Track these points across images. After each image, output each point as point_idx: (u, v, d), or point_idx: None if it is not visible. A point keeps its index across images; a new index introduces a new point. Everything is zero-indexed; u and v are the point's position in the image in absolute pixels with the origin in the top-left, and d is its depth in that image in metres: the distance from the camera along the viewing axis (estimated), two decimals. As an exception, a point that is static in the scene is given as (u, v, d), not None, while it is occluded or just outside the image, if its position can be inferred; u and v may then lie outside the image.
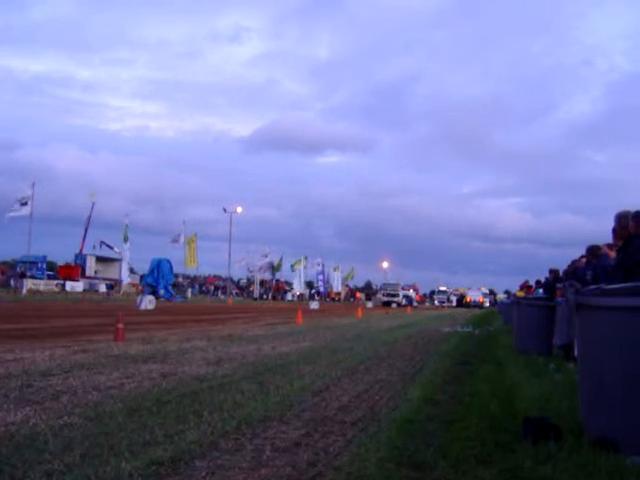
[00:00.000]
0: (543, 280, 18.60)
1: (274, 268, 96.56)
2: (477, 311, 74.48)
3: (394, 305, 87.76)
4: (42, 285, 63.42)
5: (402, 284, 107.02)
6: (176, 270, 66.99)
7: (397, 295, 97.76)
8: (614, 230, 7.17)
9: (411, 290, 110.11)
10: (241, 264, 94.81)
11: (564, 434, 5.30)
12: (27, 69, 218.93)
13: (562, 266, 14.97)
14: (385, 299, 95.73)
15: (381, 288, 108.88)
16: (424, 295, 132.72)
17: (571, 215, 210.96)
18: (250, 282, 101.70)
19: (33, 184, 52.89)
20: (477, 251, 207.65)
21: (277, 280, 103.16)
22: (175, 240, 66.30)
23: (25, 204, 52.33)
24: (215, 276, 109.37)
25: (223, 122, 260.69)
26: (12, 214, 52.12)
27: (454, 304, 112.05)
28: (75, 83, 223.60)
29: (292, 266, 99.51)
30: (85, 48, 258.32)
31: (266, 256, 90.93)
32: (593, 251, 9.57)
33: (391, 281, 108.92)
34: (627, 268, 6.23)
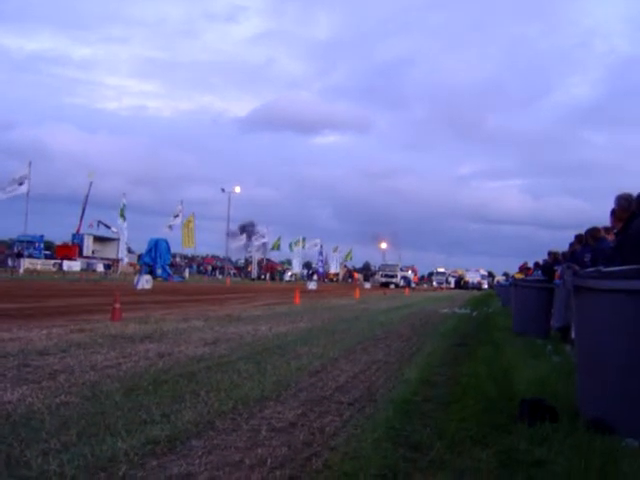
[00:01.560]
0: (541, 262, 18.58)
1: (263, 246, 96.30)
2: (475, 293, 74.65)
3: (392, 286, 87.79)
4: (39, 265, 63.35)
5: (400, 265, 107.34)
6: (174, 250, 66.97)
7: (395, 276, 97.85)
8: (613, 212, 7.14)
9: (409, 271, 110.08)
10: (239, 245, 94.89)
11: (560, 416, 5.31)
12: (23, 47, 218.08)
13: (561, 249, 14.94)
14: (383, 280, 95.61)
15: (379, 269, 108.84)
16: (422, 276, 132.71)
17: (570, 197, 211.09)
18: (248, 262, 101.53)
19: (30, 163, 52.83)
20: (476, 233, 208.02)
21: (268, 259, 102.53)
22: (170, 226, 66.18)
23: (22, 184, 52.24)
24: (213, 256, 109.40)
25: (221, 101, 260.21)
26: (10, 194, 52.05)
27: (452, 285, 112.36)
28: (71, 61, 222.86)
29: (290, 246, 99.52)
30: (81, 26, 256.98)
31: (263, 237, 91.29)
32: (592, 234, 9.53)
33: (389, 262, 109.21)
34: (626, 250, 6.21)
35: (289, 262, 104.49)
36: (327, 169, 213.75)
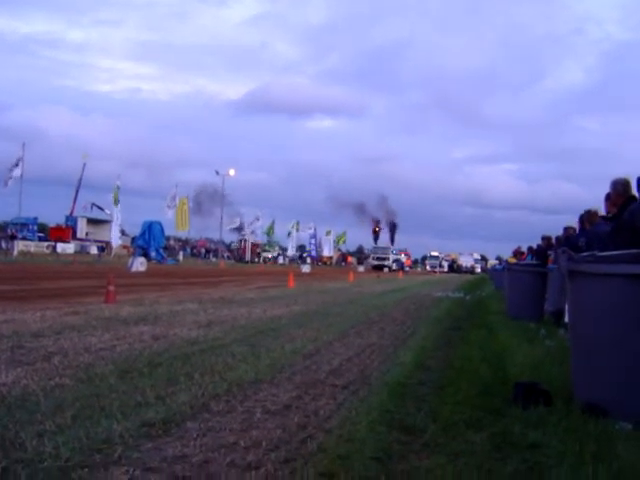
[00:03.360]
0: (535, 247, 18.60)
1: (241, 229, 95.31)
2: (469, 276, 74.79)
3: (386, 270, 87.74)
4: (33, 247, 63.22)
5: (393, 248, 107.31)
6: (167, 233, 66.90)
7: (387, 259, 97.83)
8: (608, 197, 7.13)
9: (402, 255, 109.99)
10: (233, 227, 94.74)
11: (554, 399, 5.33)
12: (16, 30, 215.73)
13: (554, 233, 14.96)
14: (375, 263, 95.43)
15: (371, 252, 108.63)
16: (416, 260, 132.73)
17: (563, 182, 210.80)
18: (239, 246, 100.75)
19: (23, 145, 52.64)
20: (469, 217, 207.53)
21: (246, 240, 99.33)
22: (169, 206, 66.16)
23: (17, 165, 52.11)
24: (207, 239, 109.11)
25: (215, 84, 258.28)
26: (9, 183, 52.04)
27: (446, 269, 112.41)
28: (65, 44, 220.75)
29: (289, 233, 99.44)
30: (75, 9, 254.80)
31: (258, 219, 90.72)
32: (589, 217, 9.52)
33: (381, 245, 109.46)
34: (622, 235, 6.21)
35: (270, 244, 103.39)
36: (321, 153, 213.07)
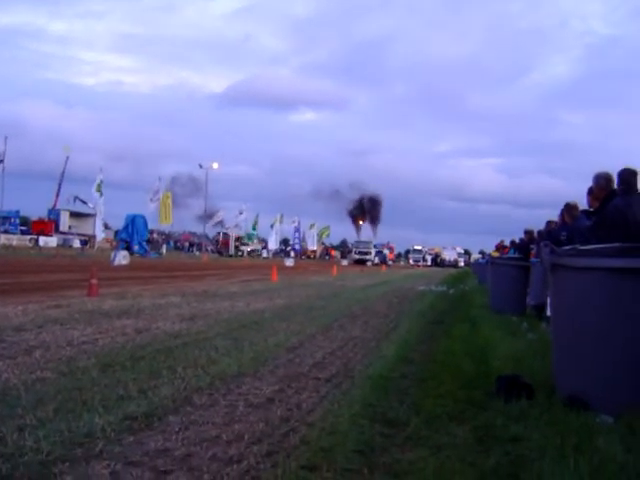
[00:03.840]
0: (518, 240, 18.68)
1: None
2: (452, 270, 74.95)
3: (369, 263, 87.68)
4: (15, 240, 62.93)
5: (374, 242, 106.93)
6: (151, 226, 66.59)
7: (369, 253, 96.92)
8: (590, 191, 7.15)
9: (385, 249, 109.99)
10: (216, 221, 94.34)
11: (536, 392, 5.36)
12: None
13: (537, 228, 15.02)
14: (357, 257, 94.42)
15: (353, 246, 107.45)
16: (399, 254, 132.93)
17: (546, 177, 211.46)
18: (225, 239, 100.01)
19: (6, 139, 52.30)
20: (452, 211, 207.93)
21: (225, 234, 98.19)
22: (151, 199, 65.88)
23: (1, 161, 51.81)
24: (190, 233, 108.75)
25: (199, 77, 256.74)
26: None
27: (429, 263, 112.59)
28: (48, 36, 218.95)
29: (272, 226, 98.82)
30: (58, 1, 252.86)
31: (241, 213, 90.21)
32: (569, 210, 9.54)
33: (363, 238, 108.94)
34: (603, 229, 6.24)
35: (250, 237, 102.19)
36: (305, 146, 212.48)
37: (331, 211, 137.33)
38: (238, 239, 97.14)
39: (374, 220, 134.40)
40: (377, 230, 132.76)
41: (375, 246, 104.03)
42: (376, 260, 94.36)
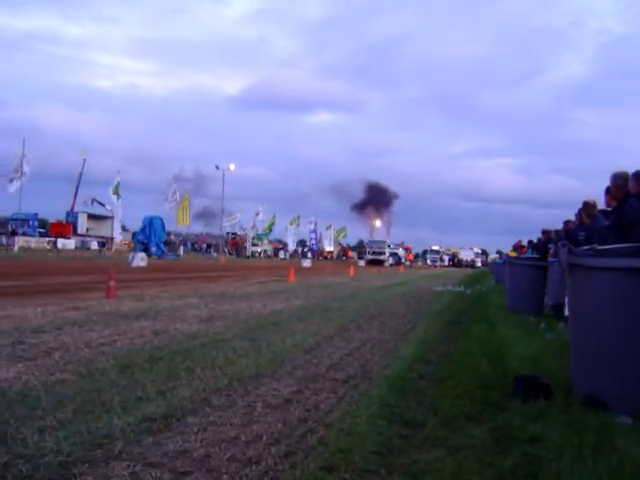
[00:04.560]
0: (535, 240, 18.60)
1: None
2: (469, 271, 74.76)
3: (387, 264, 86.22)
4: (34, 243, 63.16)
5: (389, 242, 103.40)
6: (168, 228, 66.81)
7: (383, 253, 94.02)
8: (608, 190, 7.12)
9: (400, 249, 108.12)
10: (233, 222, 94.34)
11: (554, 393, 5.35)
12: (14, 26, 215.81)
13: (554, 227, 14.95)
14: (370, 258, 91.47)
15: (366, 245, 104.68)
16: (416, 254, 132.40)
17: (562, 176, 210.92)
18: (234, 240, 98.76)
19: (24, 141, 52.60)
20: (468, 211, 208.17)
21: (234, 234, 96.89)
22: (168, 199, 66.21)
23: (22, 165, 52.18)
24: (207, 234, 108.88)
25: (214, 80, 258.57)
26: (15, 182, 52.13)
27: (446, 263, 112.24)
28: (64, 40, 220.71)
29: (286, 227, 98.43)
30: (73, 5, 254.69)
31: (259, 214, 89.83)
32: (587, 210, 9.49)
33: (377, 238, 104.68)
34: (621, 228, 6.21)
35: (259, 237, 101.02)
36: (320, 148, 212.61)
37: (346, 211, 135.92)
38: (243, 239, 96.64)
39: (379, 209, 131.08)
40: (391, 229, 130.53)
41: (389, 246, 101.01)
42: (390, 261, 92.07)
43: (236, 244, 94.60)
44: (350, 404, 5.25)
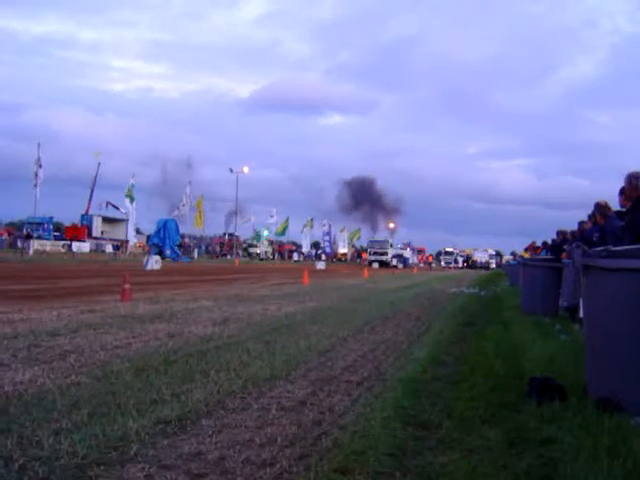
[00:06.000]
0: (550, 241, 18.53)
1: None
2: (483, 272, 74.59)
3: (400, 266, 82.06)
4: (49, 246, 63.57)
5: (391, 241, 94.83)
6: (182, 230, 67.02)
7: (385, 254, 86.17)
8: (622, 191, 7.08)
9: (407, 249, 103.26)
10: (247, 225, 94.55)
11: (568, 394, 5.32)
12: (29, 30, 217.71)
13: (567, 228, 14.90)
14: (372, 258, 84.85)
15: (367, 246, 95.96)
16: (430, 255, 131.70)
17: (574, 177, 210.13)
18: (230, 240, 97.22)
19: (39, 145, 52.99)
20: (481, 212, 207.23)
21: (230, 234, 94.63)
22: (184, 205, 66.56)
23: (40, 166, 52.61)
24: (221, 237, 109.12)
25: (227, 82, 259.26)
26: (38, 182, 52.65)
27: (460, 265, 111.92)
28: (78, 44, 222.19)
29: (302, 230, 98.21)
30: (88, 10, 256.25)
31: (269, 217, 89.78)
32: (601, 211, 9.43)
33: (379, 238, 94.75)
34: (635, 229, 6.18)
35: (258, 239, 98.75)
36: (332, 150, 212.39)
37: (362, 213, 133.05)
38: (244, 241, 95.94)
39: (373, 206, 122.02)
40: (396, 228, 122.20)
41: (391, 245, 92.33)
42: (394, 262, 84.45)
43: (232, 245, 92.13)
44: (364, 406, 5.25)
